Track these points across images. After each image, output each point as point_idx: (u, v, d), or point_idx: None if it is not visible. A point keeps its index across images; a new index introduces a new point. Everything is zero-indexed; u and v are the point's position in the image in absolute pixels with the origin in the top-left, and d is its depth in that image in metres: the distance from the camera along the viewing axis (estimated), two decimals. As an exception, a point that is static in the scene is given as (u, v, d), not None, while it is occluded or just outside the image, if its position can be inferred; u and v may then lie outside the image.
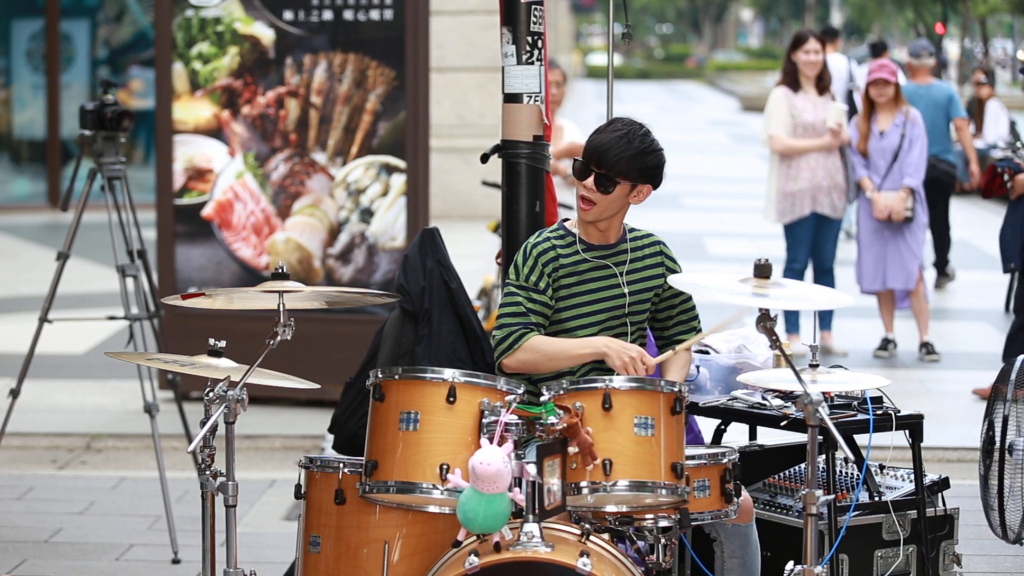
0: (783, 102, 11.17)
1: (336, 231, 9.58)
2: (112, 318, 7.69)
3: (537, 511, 4.39)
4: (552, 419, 4.47)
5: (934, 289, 14.01)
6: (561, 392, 4.62)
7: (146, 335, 8.08)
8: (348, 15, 9.49)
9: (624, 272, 5.22)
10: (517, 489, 4.38)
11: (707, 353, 6.03)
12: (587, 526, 4.53)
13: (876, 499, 5.78)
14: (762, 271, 4.59)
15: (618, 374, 4.97)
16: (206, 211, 9.76)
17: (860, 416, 5.64)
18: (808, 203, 11.14)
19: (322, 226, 9.59)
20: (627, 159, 5.08)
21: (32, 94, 20.70)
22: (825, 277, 11.28)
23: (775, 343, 4.51)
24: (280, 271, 4.75)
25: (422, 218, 9.41)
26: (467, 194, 17.87)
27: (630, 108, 40.07)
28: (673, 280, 4.98)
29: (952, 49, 50.61)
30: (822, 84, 11.18)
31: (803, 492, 4.54)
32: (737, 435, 6.50)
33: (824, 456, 5.57)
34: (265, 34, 9.60)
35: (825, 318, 11.45)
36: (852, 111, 13.47)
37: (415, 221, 9.39)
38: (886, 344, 11.39)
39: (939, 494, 5.95)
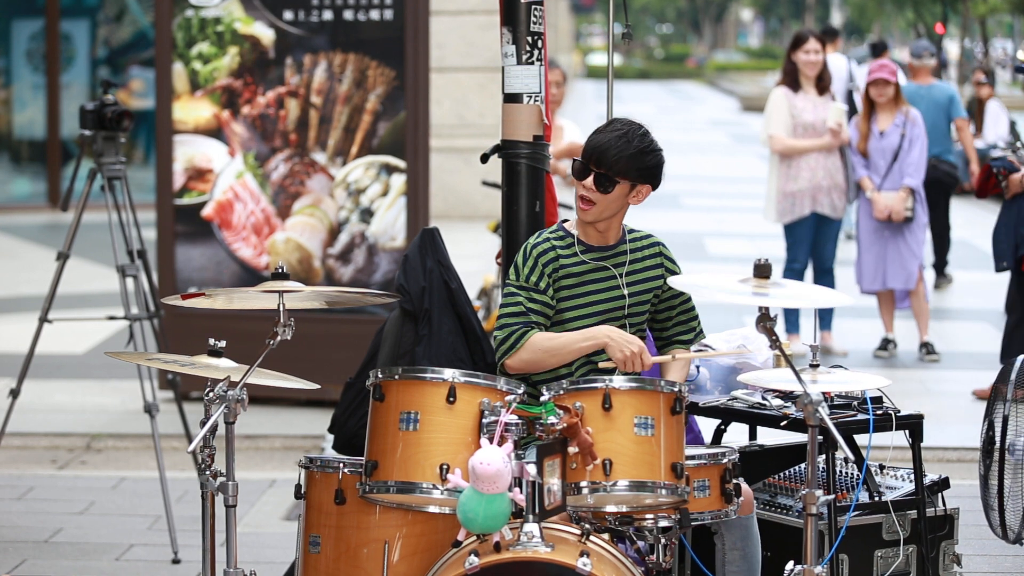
0: (783, 102, 11.17)
1: (336, 231, 9.58)
2: (112, 318, 7.69)
3: (537, 511, 4.39)
4: (552, 419, 4.48)
5: (933, 289, 14.01)
6: (561, 392, 4.62)
7: (146, 335, 8.08)
8: (348, 15, 9.49)
9: (624, 273, 5.23)
10: (517, 489, 4.38)
11: (707, 353, 6.03)
12: (587, 526, 4.53)
13: (876, 499, 5.78)
14: (762, 271, 4.60)
15: (615, 367, 4.99)
16: (206, 211, 9.76)
17: (860, 416, 5.64)
18: (808, 203, 11.14)
19: (322, 226, 9.59)
20: (626, 158, 5.08)
21: (32, 94, 20.70)
22: (825, 277, 11.28)
23: (775, 343, 4.51)
24: (280, 271, 4.75)
25: (422, 218, 9.42)
26: (467, 194, 17.87)
27: (630, 108, 40.08)
28: (673, 281, 4.98)
29: (952, 49, 50.61)
30: (822, 84, 11.18)
31: (803, 492, 4.54)
32: (737, 435, 6.50)
33: (824, 456, 5.57)
34: (265, 34, 9.61)
35: (825, 318, 11.45)
36: (852, 111, 13.47)
37: (415, 221, 9.39)
38: (886, 344, 11.39)
39: (939, 494, 5.95)
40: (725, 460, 4.84)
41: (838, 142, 11.08)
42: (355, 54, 9.50)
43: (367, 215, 9.55)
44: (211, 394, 4.63)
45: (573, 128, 10.43)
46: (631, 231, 5.31)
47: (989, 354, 10.82)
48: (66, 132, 20.06)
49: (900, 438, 5.85)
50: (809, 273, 11.39)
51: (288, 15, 9.55)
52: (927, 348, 11.27)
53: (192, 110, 9.73)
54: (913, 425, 5.77)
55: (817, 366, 5.14)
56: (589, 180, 5.12)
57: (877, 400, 5.72)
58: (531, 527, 4.39)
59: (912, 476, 5.89)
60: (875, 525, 5.73)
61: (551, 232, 5.26)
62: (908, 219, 11.03)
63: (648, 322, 5.32)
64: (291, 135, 9.60)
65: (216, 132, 9.70)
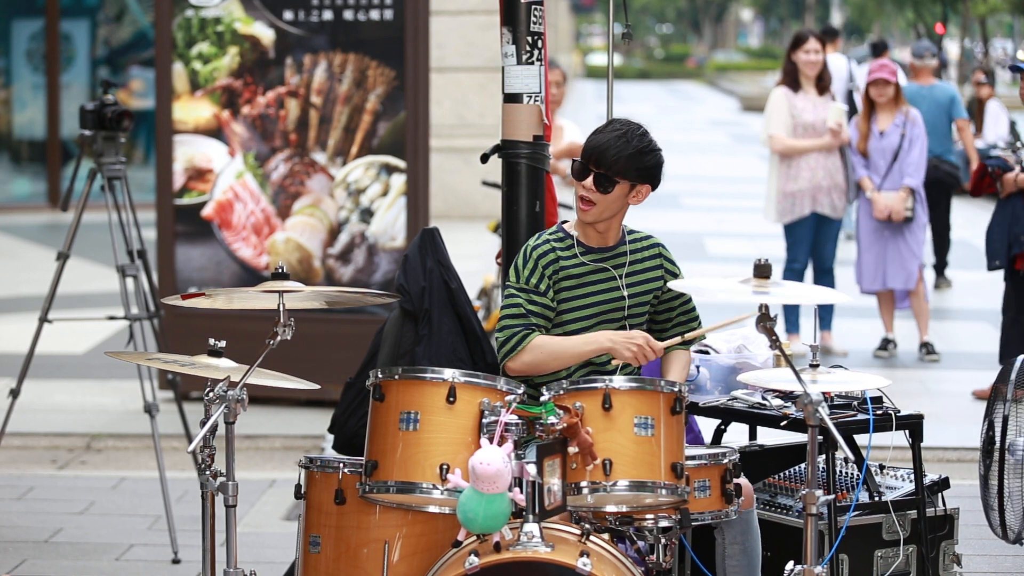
0: (783, 102, 11.17)
1: (336, 231, 9.58)
2: (112, 318, 7.69)
3: (537, 511, 4.39)
4: (552, 419, 4.48)
5: (933, 289, 14.01)
6: (561, 392, 4.62)
7: (146, 335, 8.07)
8: (348, 15, 9.49)
9: (623, 275, 5.23)
10: (517, 489, 4.38)
11: (707, 353, 6.03)
12: (587, 526, 4.53)
13: (876, 499, 5.78)
14: (762, 271, 4.60)
15: (629, 365, 4.99)
16: (206, 211, 9.76)
17: (860, 416, 5.64)
18: (808, 203, 11.14)
19: (322, 226, 9.59)
20: (626, 158, 5.09)
21: (32, 94, 20.70)
22: (825, 277, 11.28)
23: (775, 343, 4.51)
24: (280, 271, 4.75)
25: (422, 218, 9.41)
26: (467, 194, 17.87)
27: (630, 108, 40.08)
28: (674, 285, 5.00)
29: (952, 49, 50.60)
30: (822, 84, 11.18)
31: (803, 492, 4.54)
32: (737, 435, 6.50)
33: (824, 456, 5.57)
34: (265, 34, 9.61)
35: (825, 318, 11.45)
36: (852, 111, 13.47)
37: (415, 221, 9.39)
38: (886, 344, 11.39)
39: (939, 494, 5.95)
40: (725, 460, 4.84)
41: (838, 142, 11.08)
42: (355, 54, 9.50)
43: (367, 215, 9.54)
44: (211, 394, 4.63)
45: (573, 128, 10.44)
46: (631, 232, 5.31)
47: (989, 354, 10.81)
48: (66, 132, 20.06)
49: (900, 438, 5.85)
50: (809, 273, 11.40)
51: (288, 15, 9.55)
52: (927, 348, 11.27)
53: (192, 110, 9.73)
54: (913, 425, 5.77)
55: (817, 366, 5.14)
56: (589, 180, 5.12)
57: (877, 400, 5.72)
58: (531, 527, 4.39)
59: (912, 476, 5.89)
60: (875, 525, 5.73)
61: (551, 234, 5.26)
62: (908, 219, 11.03)
63: (648, 323, 5.32)
64: (291, 135, 9.60)
65: (216, 132, 9.70)
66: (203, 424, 4.64)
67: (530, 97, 5.81)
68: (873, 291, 11.25)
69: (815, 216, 11.18)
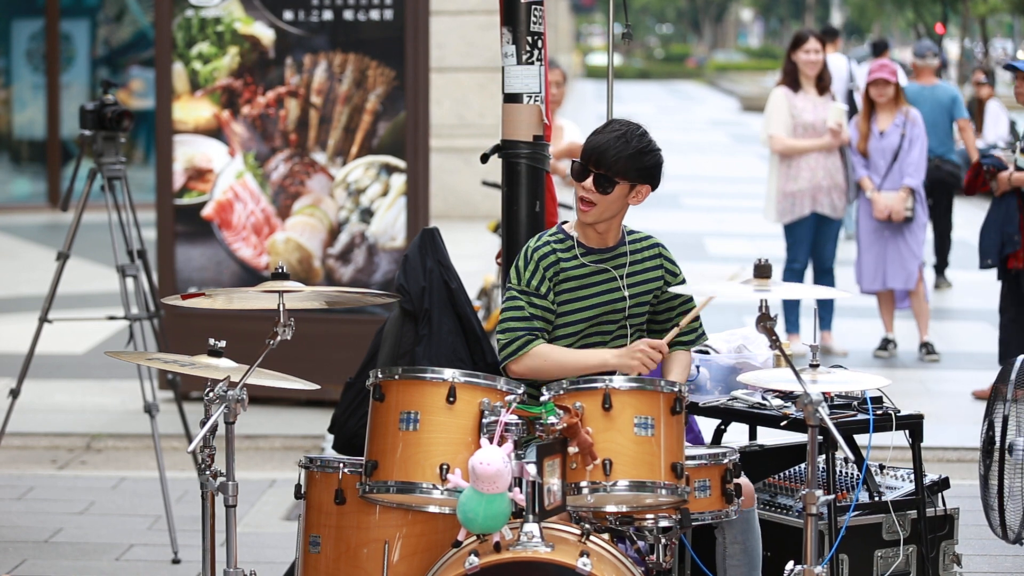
0: (783, 102, 11.17)
1: (336, 231, 9.58)
2: (112, 318, 7.69)
3: (537, 511, 4.39)
4: (552, 419, 4.48)
5: (933, 289, 14.01)
6: (561, 392, 4.62)
7: (146, 335, 8.08)
8: (348, 15, 9.49)
9: (624, 275, 5.23)
10: (517, 489, 4.38)
11: (707, 353, 6.03)
12: (587, 526, 4.53)
13: (876, 499, 5.78)
14: (762, 271, 4.60)
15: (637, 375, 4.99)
16: (206, 211, 9.76)
17: (860, 416, 5.64)
18: (808, 203, 11.14)
19: (322, 226, 9.59)
20: (625, 158, 5.09)
21: (32, 94, 20.70)
22: (825, 277, 11.28)
23: (775, 343, 4.51)
24: (280, 271, 4.75)
25: (422, 218, 9.41)
26: (467, 194, 17.87)
27: (630, 108, 40.08)
28: (675, 290, 5.01)
29: (952, 49, 50.60)
30: (822, 84, 11.18)
31: (803, 492, 4.54)
32: (737, 435, 6.50)
33: (824, 456, 5.57)
34: (265, 34, 9.61)
35: (825, 318, 11.45)
36: (852, 111, 13.47)
37: (415, 221, 9.39)
38: (886, 344, 11.39)
39: (939, 494, 5.95)
40: (725, 460, 4.84)
41: (838, 142, 11.08)
42: (355, 54, 9.50)
43: (367, 215, 9.54)
44: (211, 394, 4.63)
45: (573, 128, 10.44)
46: (631, 232, 5.31)
47: (989, 354, 10.81)
48: (66, 132, 20.06)
49: (900, 438, 5.85)
50: (809, 273, 11.39)
51: (288, 15, 9.55)
52: (927, 348, 11.27)
53: (192, 110, 9.73)
54: (913, 425, 5.77)
55: (817, 366, 5.13)
56: (588, 181, 5.12)
57: (877, 400, 5.72)
58: (531, 527, 4.39)
59: (912, 476, 5.89)
60: (875, 525, 5.73)
61: (551, 235, 5.25)
62: (908, 219, 11.03)
63: (648, 323, 5.31)
64: (291, 135, 9.60)
65: (216, 132, 9.70)
66: (203, 424, 4.64)
67: (530, 97, 5.81)
68: (873, 291, 11.25)
69: (815, 216, 11.18)
